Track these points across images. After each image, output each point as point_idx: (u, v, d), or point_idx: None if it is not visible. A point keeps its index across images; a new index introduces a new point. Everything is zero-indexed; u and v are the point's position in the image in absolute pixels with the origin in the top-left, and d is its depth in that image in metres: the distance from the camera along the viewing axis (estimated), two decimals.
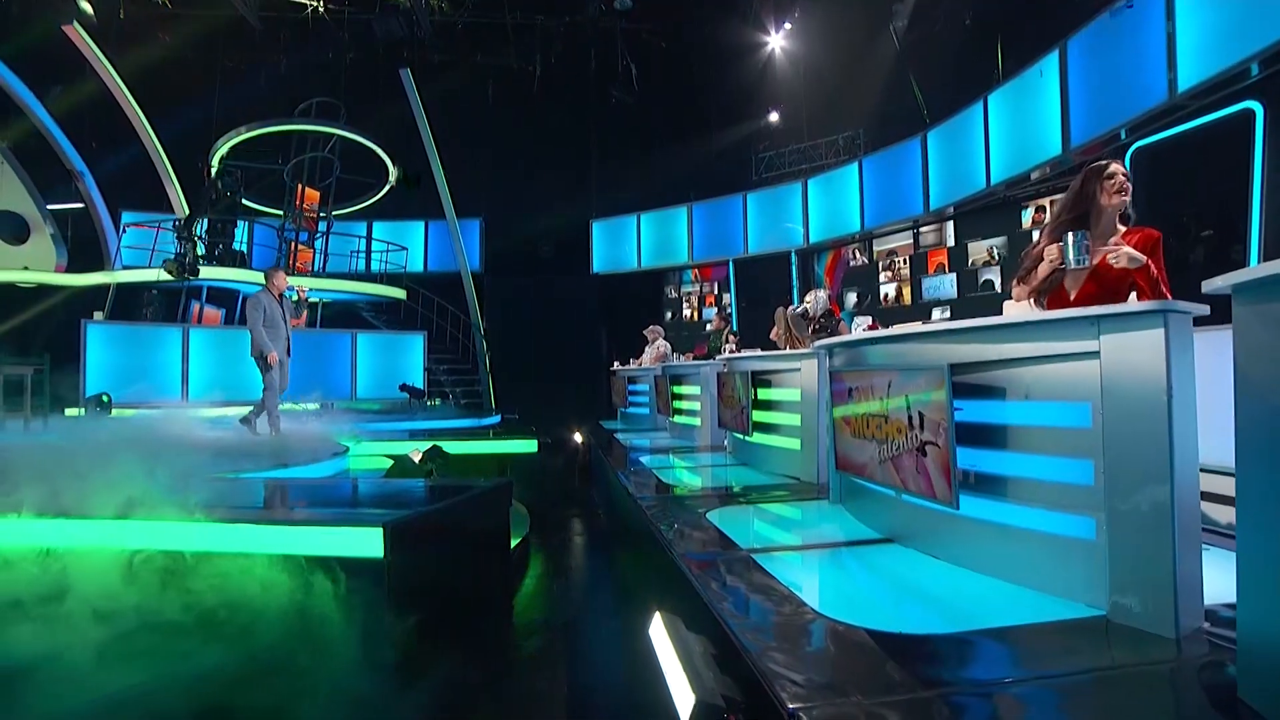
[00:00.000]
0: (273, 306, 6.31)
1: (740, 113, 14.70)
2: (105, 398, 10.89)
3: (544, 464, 6.46)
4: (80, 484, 3.33)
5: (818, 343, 3.94)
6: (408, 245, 15.67)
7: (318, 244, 14.02)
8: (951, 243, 10.31)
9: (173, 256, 11.89)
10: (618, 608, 3.50)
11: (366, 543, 2.93)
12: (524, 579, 3.88)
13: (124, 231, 13.32)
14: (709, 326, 11.99)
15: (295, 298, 6.87)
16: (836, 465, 3.33)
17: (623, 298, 14.79)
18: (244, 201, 14.22)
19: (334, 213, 14.55)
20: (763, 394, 4.71)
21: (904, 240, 11.18)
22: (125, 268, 12.60)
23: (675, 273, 14.91)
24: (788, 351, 4.85)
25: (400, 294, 14.11)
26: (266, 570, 2.86)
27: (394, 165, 14.52)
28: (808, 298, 5.60)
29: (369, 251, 15.29)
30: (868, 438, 2.90)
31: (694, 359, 9.09)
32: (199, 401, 10.57)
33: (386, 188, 15.03)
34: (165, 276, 11.73)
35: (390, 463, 5.51)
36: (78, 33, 12.19)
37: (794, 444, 4.32)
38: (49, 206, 12.65)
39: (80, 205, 13.09)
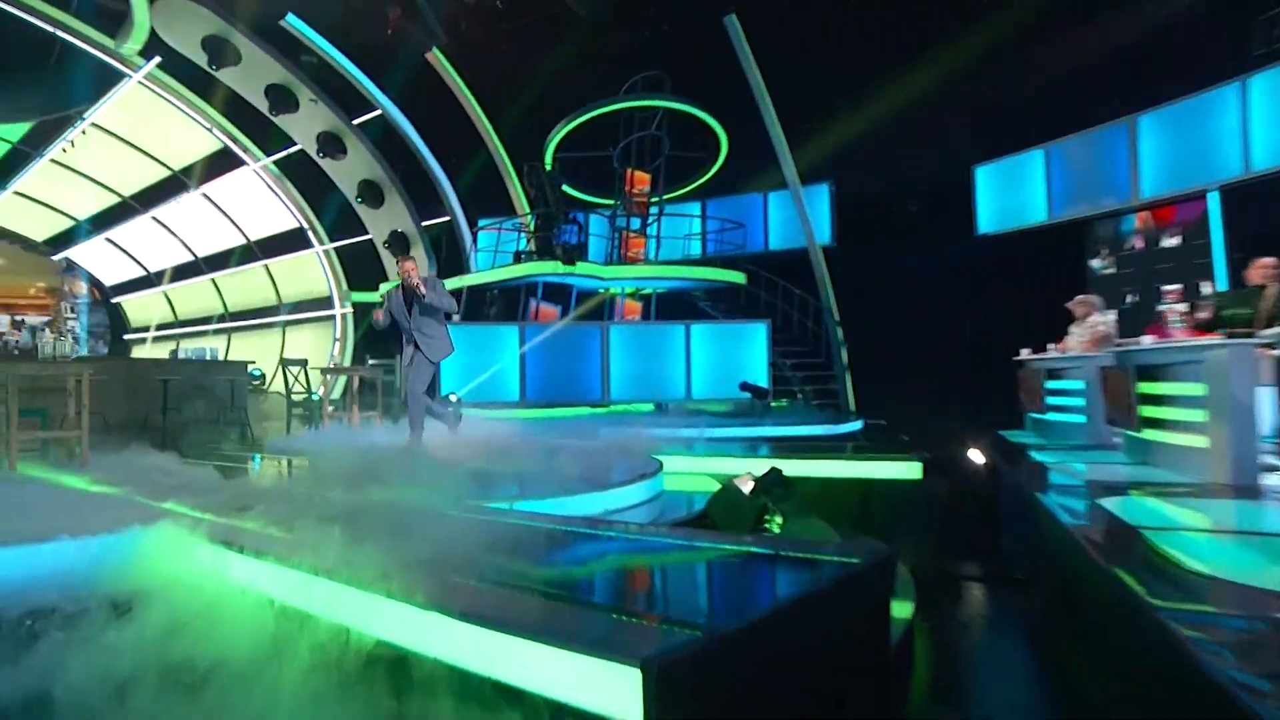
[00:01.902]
0: (396, 300, 6.22)
1: None
2: (454, 398, 12.44)
3: (927, 495, 5.17)
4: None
5: None
6: (745, 222, 15.31)
7: (650, 230, 14.45)
8: None
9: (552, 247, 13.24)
10: None
11: (608, 690, 1.81)
12: (908, 697, 2.77)
13: (476, 236, 15.43)
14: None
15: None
16: None
17: (1020, 263, 12.31)
18: (574, 193, 15.25)
19: (665, 196, 14.84)
20: None
21: None
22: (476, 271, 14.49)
23: (1106, 222, 11.89)
24: None
25: (739, 278, 13.79)
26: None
27: (724, 133, 14.30)
28: None
29: (704, 233, 15.30)
30: None
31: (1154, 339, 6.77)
32: (536, 402, 11.76)
33: (719, 161, 14.88)
34: (507, 275, 13.07)
35: (715, 487, 4.78)
36: (435, 57, 14.41)
37: None
38: (424, 223, 15.22)
39: (447, 219, 15.44)
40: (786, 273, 13.89)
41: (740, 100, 12.68)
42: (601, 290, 14.21)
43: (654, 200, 14.76)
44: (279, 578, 2.79)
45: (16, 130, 12.40)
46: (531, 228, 14.60)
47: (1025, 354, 8.51)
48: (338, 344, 15.20)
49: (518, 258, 14.06)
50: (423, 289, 5.96)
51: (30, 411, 6.39)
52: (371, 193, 14.65)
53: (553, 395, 12.03)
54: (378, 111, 14.16)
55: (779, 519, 4.03)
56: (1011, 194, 12.65)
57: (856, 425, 10.60)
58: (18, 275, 13.98)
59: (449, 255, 15.39)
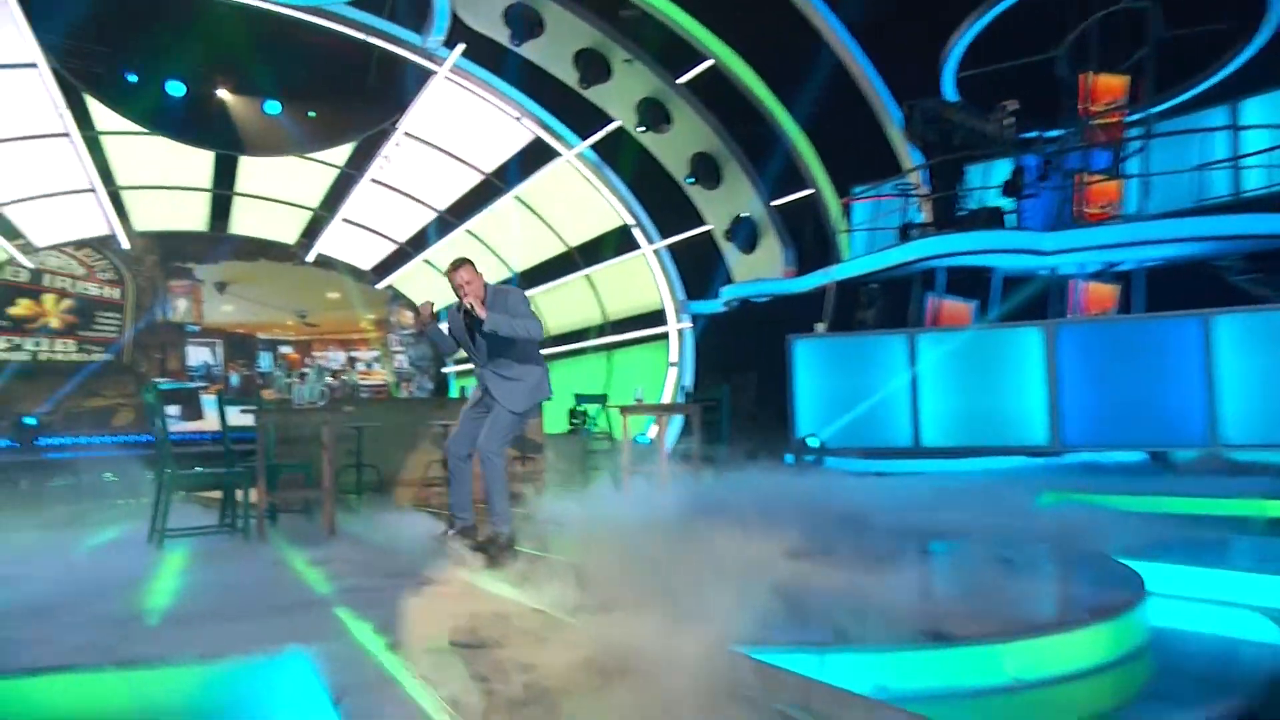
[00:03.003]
0: (457, 323, 5.20)
1: None
2: (814, 440, 10.36)
3: None
4: None
5: None
6: None
7: (1128, 166, 10.28)
8: None
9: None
10: None
11: None
12: None
13: (849, 211, 12.47)
14: None
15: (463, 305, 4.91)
16: None
17: None
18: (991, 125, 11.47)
19: (1154, 109, 10.48)
20: None
21: None
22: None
23: None
24: None
25: None
26: None
27: None
28: None
29: (1237, 157, 10.48)
30: None
31: None
32: (935, 451, 9.76)
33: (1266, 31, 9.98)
34: (890, 261, 10.17)
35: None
36: None
37: None
38: (774, 203, 12.70)
39: (807, 192, 12.69)
40: None
41: None
42: (1043, 272, 10.76)
43: (1131, 120, 10.36)
44: None
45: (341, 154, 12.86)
46: (925, 189, 11.73)
47: None
48: (673, 369, 13.35)
49: (905, 233, 10.98)
50: (480, 309, 4.80)
51: (293, 466, 6.46)
52: (706, 169, 12.53)
53: (965, 437, 9.92)
54: (708, 63, 12.00)
55: None
56: None
57: None
58: (350, 308, 14.72)
59: (815, 240, 12.71)
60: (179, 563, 4.69)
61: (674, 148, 12.72)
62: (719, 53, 11.98)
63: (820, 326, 11.98)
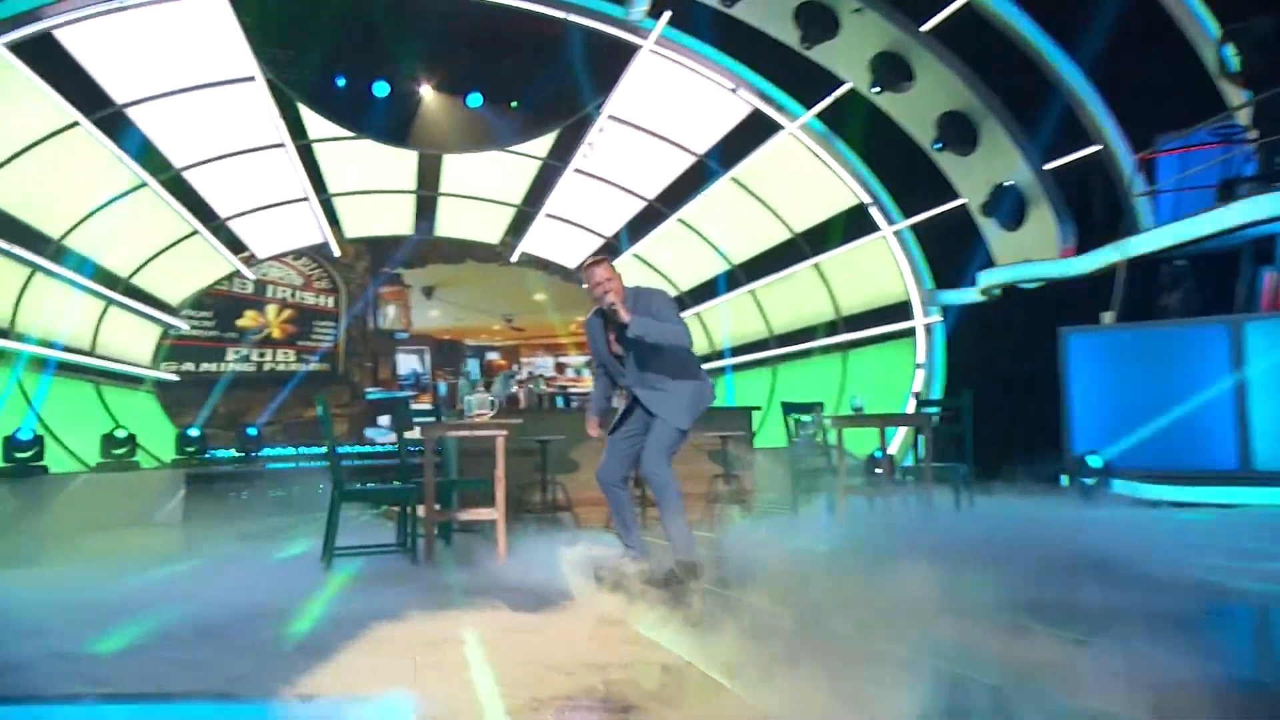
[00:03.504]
0: (596, 333, 4.99)
1: None
2: (1095, 460, 9.18)
3: None
4: None
5: None
6: None
7: None
8: None
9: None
10: None
11: None
12: None
13: (1149, 170, 10.51)
14: None
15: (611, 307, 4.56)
16: None
17: None
18: None
19: None
20: None
21: None
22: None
23: None
24: None
25: None
26: None
27: None
28: None
29: None
30: None
31: None
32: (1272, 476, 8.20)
33: None
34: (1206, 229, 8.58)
35: None
36: None
37: None
38: (1047, 166, 10.95)
39: (1093, 149, 10.84)
40: None
41: None
42: None
43: None
44: None
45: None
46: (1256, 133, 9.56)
47: None
48: (920, 371, 11.92)
49: (1228, 191, 9.24)
50: (622, 312, 4.65)
51: (468, 483, 6.61)
52: (957, 131, 10.93)
53: None
54: (957, 4, 10.48)
55: None
56: None
57: None
58: (557, 310, 14.52)
59: (1101, 210, 10.88)
60: (338, 585, 4.89)
61: (917, 108, 11.27)
62: None
63: (1107, 316, 10.19)
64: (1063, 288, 10.69)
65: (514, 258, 14.54)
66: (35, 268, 10.51)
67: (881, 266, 12.33)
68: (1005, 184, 11.04)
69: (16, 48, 8.91)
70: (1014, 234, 11.21)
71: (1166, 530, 6.83)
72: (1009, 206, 11.05)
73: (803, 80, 11.60)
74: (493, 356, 14.22)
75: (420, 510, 5.61)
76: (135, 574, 5.42)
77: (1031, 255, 10.91)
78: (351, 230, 13.34)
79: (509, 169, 12.95)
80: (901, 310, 12.31)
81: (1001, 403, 10.13)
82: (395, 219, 13.61)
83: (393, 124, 11.58)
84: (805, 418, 8.26)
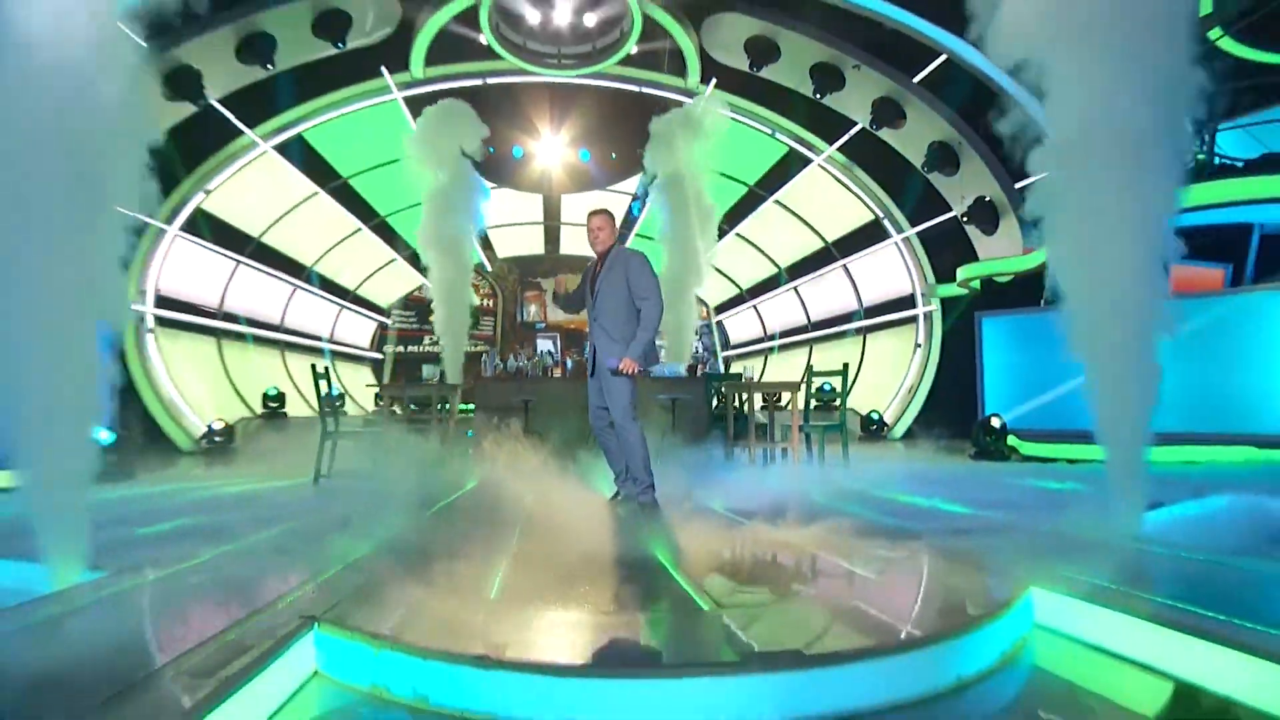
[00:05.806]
0: (588, 270, 5.43)
1: None
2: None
3: None
4: None
5: None
6: None
7: None
8: None
9: None
10: None
11: None
12: None
13: None
14: None
15: None
16: None
17: None
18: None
19: None
20: None
21: None
22: None
23: None
24: None
25: None
26: None
27: None
28: None
29: None
30: None
31: None
32: None
33: None
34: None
35: None
36: None
37: None
38: (1018, 185, 13.14)
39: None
40: None
41: None
42: None
43: None
44: None
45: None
46: None
47: None
48: (919, 350, 14.44)
49: None
50: (630, 364, 4.94)
51: None
52: (944, 156, 13.48)
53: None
54: (940, 58, 12.99)
55: None
56: None
57: None
58: None
59: None
60: None
61: (913, 140, 13.69)
62: (948, 45, 12.87)
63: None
64: (1028, 280, 12.82)
65: None
66: (296, 286, 15.83)
67: (892, 266, 14.92)
68: (984, 196, 13.43)
69: (282, 148, 13.90)
70: (991, 238, 13.55)
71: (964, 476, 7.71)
72: (985, 216, 13.42)
73: (825, 123, 14.44)
74: None
75: None
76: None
77: (1004, 255, 13.22)
78: (503, 252, 17.78)
79: (609, 203, 16.21)
80: (907, 301, 14.85)
81: (966, 377, 12.58)
82: (532, 243, 17.78)
83: (526, 177, 15.83)
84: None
